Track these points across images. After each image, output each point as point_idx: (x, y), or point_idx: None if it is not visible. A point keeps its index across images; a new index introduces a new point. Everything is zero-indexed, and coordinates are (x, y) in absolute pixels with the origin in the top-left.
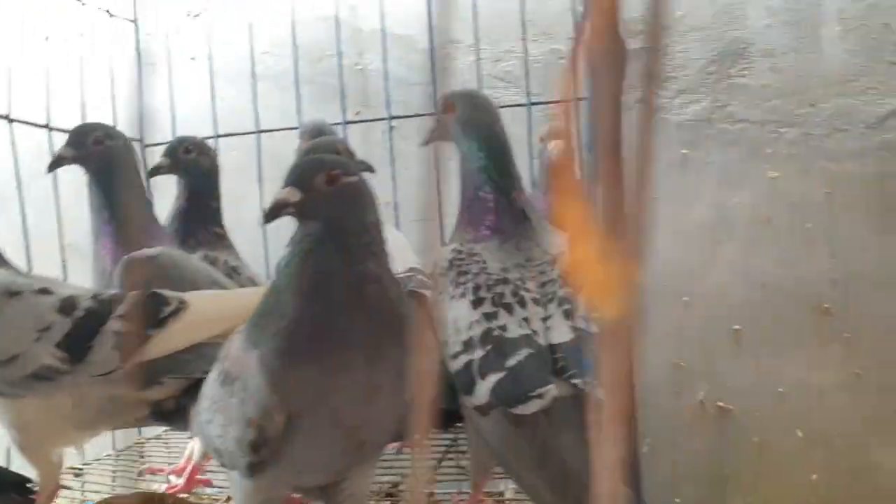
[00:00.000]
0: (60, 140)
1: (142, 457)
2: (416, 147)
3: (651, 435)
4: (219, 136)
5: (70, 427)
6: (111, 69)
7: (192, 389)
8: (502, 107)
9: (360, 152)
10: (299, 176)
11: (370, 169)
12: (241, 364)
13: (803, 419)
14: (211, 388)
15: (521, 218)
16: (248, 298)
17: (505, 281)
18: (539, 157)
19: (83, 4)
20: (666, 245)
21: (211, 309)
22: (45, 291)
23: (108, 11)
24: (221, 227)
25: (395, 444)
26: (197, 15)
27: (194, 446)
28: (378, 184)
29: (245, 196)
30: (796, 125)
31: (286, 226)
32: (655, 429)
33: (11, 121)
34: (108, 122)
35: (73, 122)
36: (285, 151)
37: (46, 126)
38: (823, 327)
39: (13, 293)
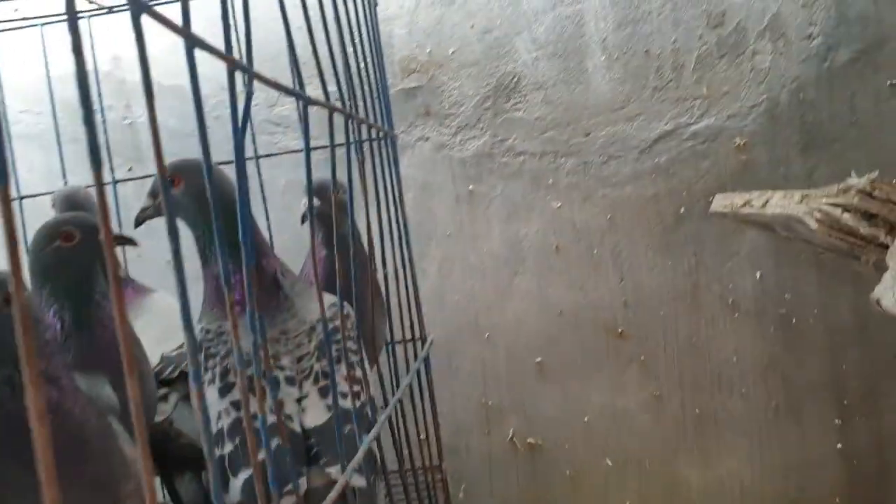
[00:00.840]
0: None
1: None
2: None
3: (465, 479)
4: None
5: None
6: None
7: None
8: (282, 153)
9: (135, 211)
10: None
11: (130, 242)
12: None
13: (611, 446)
14: None
15: (272, 287)
16: None
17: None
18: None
19: None
20: (462, 281)
21: None
22: None
23: None
24: None
25: None
26: None
27: None
28: (157, 241)
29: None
30: (573, 155)
31: None
32: (469, 472)
33: None
34: None
35: None
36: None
37: None
38: (620, 351)
39: None
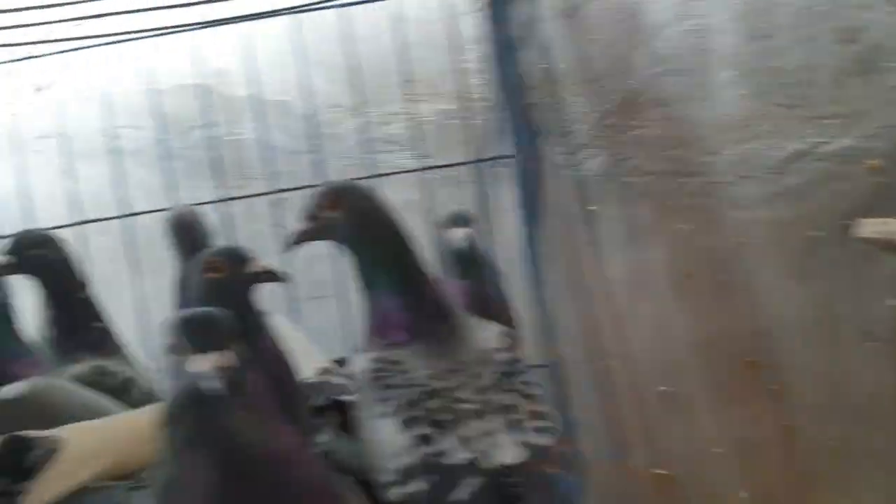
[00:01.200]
0: None
1: None
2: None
3: None
4: (85, 221)
5: None
6: None
7: None
8: (393, 173)
9: (245, 231)
10: (215, 337)
11: (278, 278)
12: None
13: (745, 479)
14: None
15: (440, 315)
16: (131, 425)
17: (434, 393)
18: (439, 243)
19: None
20: (583, 305)
21: (90, 444)
22: None
23: None
24: (101, 320)
25: None
26: (43, 89)
27: None
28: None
29: (120, 285)
30: (700, 174)
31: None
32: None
33: None
34: None
35: None
36: (157, 236)
37: None
38: (751, 381)
39: None
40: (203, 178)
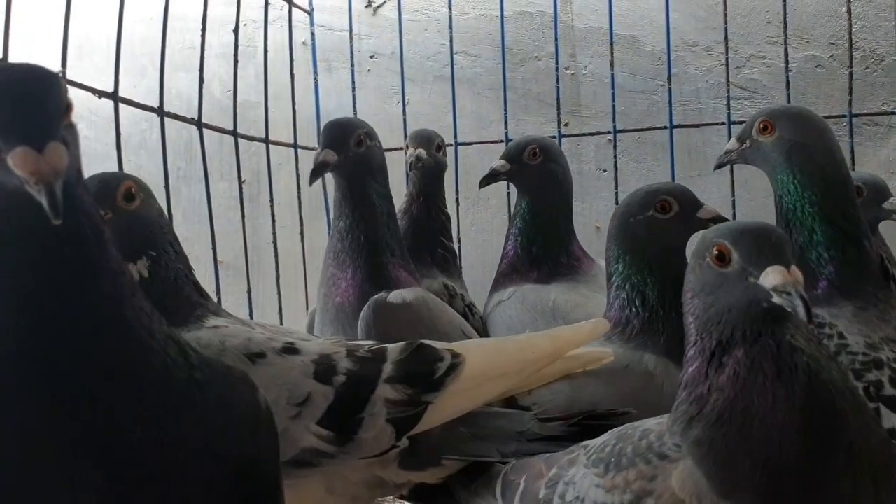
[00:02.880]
0: (212, 141)
1: None
2: (636, 163)
3: None
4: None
5: None
6: (283, 63)
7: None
8: (742, 122)
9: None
10: (788, 252)
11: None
12: None
13: None
14: None
15: (878, 275)
16: (528, 349)
17: (878, 364)
18: None
19: None
20: None
21: (489, 363)
22: (290, 350)
23: None
24: (451, 240)
25: None
26: (378, 6)
27: None
28: (588, 204)
29: None
30: None
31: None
32: None
33: (165, 114)
34: (278, 124)
35: (225, 122)
36: (480, 167)
37: (197, 123)
38: None
39: (255, 356)
40: (530, 112)
